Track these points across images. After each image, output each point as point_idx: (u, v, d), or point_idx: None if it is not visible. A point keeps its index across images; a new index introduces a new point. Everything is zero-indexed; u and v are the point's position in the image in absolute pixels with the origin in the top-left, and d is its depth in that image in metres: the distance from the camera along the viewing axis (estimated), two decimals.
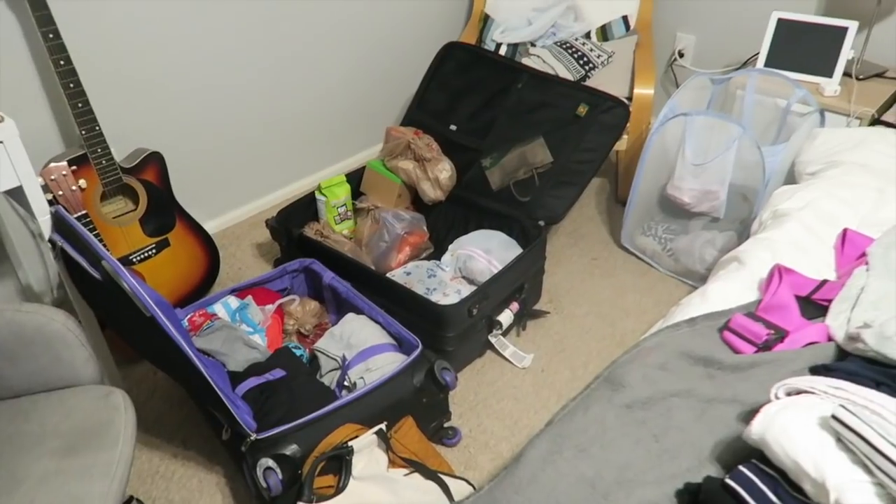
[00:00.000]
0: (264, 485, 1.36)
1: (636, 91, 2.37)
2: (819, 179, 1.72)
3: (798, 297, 1.30)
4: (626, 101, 2.25)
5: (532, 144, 2.23)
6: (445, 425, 1.75)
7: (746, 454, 0.99)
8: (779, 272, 1.31)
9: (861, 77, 2.24)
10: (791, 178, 2.02)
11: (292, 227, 2.13)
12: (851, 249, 1.46)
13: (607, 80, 2.46)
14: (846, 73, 2.22)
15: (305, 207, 2.28)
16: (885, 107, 2.12)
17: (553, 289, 2.24)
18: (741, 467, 0.91)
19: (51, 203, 1.55)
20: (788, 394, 0.97)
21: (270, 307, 1.85)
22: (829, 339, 1.21)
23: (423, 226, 2.30)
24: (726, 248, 2.09)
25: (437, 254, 2.28)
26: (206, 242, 2.16)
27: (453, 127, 2.41)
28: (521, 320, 2.05)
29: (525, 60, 2.55)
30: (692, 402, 1.09)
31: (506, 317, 1.96)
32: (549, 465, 1.00)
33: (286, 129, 2.60)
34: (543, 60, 2.54)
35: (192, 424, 1.80)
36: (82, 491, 1.09)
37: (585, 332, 2.08)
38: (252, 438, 1.39)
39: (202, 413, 1.80)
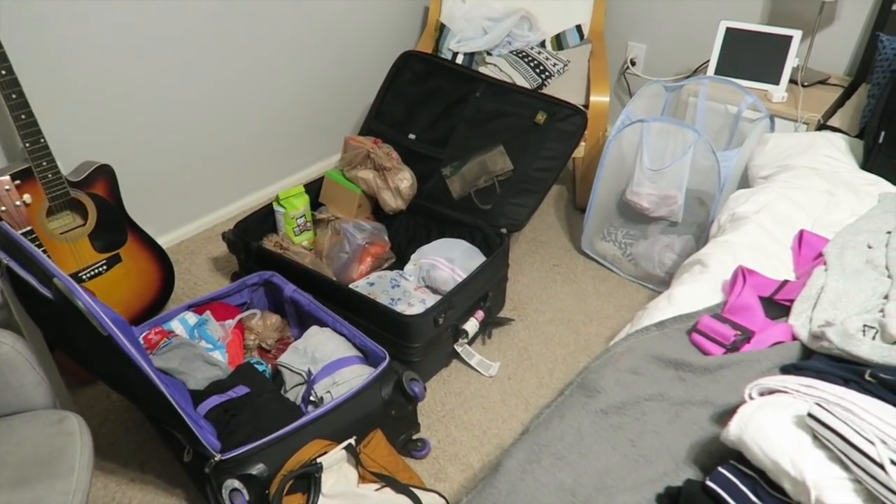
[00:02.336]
0: None
1: (592, 99, 2.40)
2: (772, 183, 1.77)
3: (761, 298, 1.32)
4: (583, 108, 2.28)
5: (492, 153, 2.23)
6: (414, 437, 1.72)
7: (722, 456, 1.00)
8: (742, 274, 1.34)
9: (806, 84, 2.32)
10: (744, 182, 2.07)
11: (250, 240, 2.08)
12: (808, 250, 1.50)
13: (563, 89, 2.48)
14: (792, 81, 2.30)
15: (263, 219, 2.23)
16: (830, 112, 2.20)
17: (516, 296, 2.25)
18: (720, 469, 0.91)
19: None
20: (761, 393, 0.99)
21: (230, 322, 1.80)
22: (794, 338, 1.23)
23: (385, 236, 2.27)
24: (685, 251, 2.13)
25: (399, 264, 2.25)
26: (160, 257, 2.09)
27: (412, 136, 2.39)
28: (486, 328, 2.04)
29: (482, 69, 2.56)
30: (665, 405, 1.09)
31: (471, 325, 1.95)
32: (528, 475, 0.98)
33: (240, 140, 2.54)
34: (500, 69, 2.55)
35: (149, 448, 1.73)
36: None
37: (550, 339, 2.08)
38: (216, 459, 1.34)
39: (160, 435, 1.73)
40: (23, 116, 1.71)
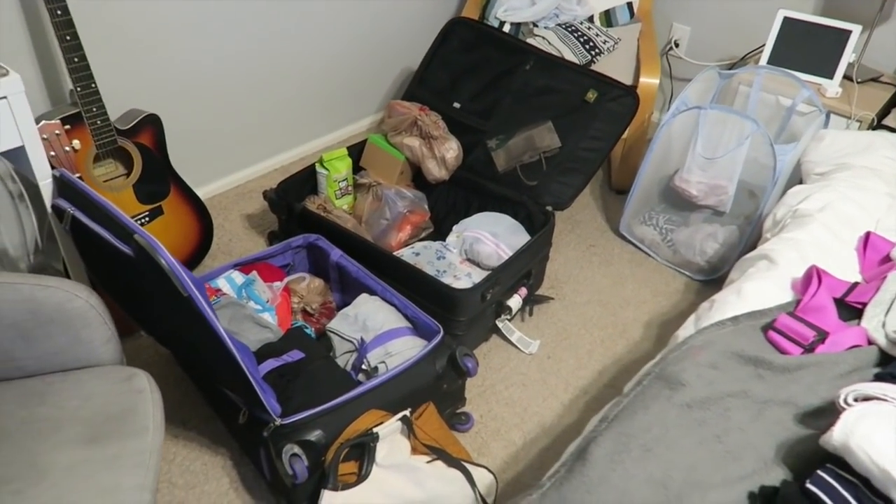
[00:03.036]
0: (290, 471, 1.30)
1: (641, 80, 2.37)
2: (831, 181, 1.76)
3: (833, 299, 1.32)
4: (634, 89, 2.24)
5: (540, 128, 2.20)
6: (458, 411, 1.72)
7: (810, 458, 1.01)
8: (817, 274, 1.33)
9: (859, 80, 2.30)
10: (794, 177, 2.06)
11: (293, 201, 2.04)
12: (873, 253, 1.49)
13: (611, 67, 2.44)
14: (845, 76, 2.27)
15: (304, 180, 2.19)
16: (885, 111, 2.18)
17: (553, 275, 2.24)
18: (820, 472, 0.92)
19: None
20: (856, 399, 0.99)
21: (279, 284, 1.77)
22: (869, 342, 1.23)
23: (425, 205, 2.25)
24: (728, 242, 2.12)
25: (436, 235, 2.24)
26: (201, 212, 2.05)
27: (456, 105, 2.35)
28: (527, 306, 2.04)
29: (529, 41, 2.50)
30: (748, 402, 1.10)
31: (515, 302, 1.94)
32: (618, 465, 0.98)
33: (276, 97, 2.48)
34: (549, 42, 2.50)
35: (190, 405, 1.72)
36: (114, 483, 1.02)
37: (588, 320, 2.08)
38: (276, 424, 1.33)
39: (201, 393, 1.73)
40: (76, 59, 1.65)
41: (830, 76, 2.26)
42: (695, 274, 2.24)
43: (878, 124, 2.12)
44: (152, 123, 1.87)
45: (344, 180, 2.21)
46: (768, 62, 2.33)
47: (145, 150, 1.86)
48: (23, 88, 1.30)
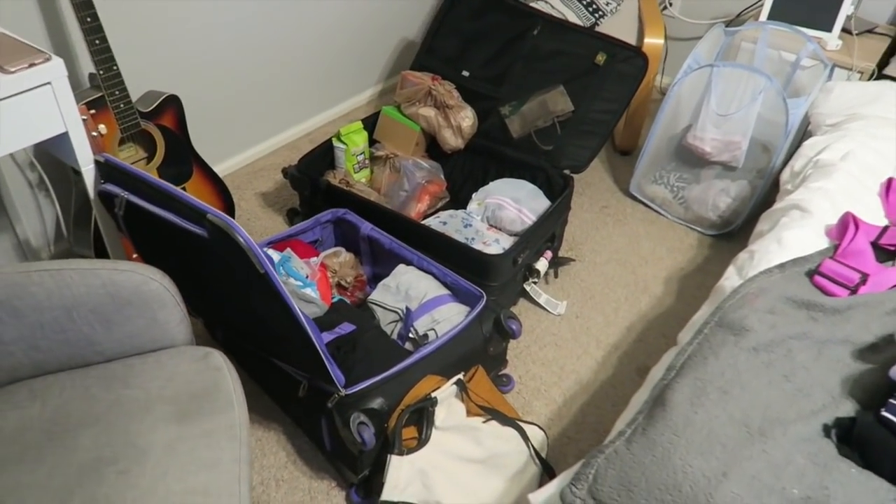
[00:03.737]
0: (358, 439, 1.34)
1: (646, 40, 2.40)
2: (847, 131, 1.82)
3: (868, 243, 1.39)
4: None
5: (552, 92, 2.22)
6: (500, 373, 1.77)
7: (874, 390, 1.07)
8: (853, 220, 1.39)
9: (856, 32, 2.36)
10: (800, 130, 2.12)
11: (316, 177, 2.05)
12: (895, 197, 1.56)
13: (615, 29, 2.46)
14: (843, 29, 2.33)
15: (322, 156, 2.19)
16: (884, 61, 2.25)
17: (571, 237, 2.28)
18: (893, 401, 0.98)
19: None
20: None
21: (315, 259, 1.79)
22: None
23: (441, 174, 2.27)
24: (740, 196, 2.19)
25: (453, 204, 2.26)
26: (222, 192, 2.05)
27: (466, 73, 2.36)
28: (552, 268, 2.08)
29: (533, 6, 2.51)
30: (809, 343, 1.16)
31: (542, 265, 1.99)
32: (699, 408, 1.04)
33: (282, 72, 2.46)
34: (552, 6, 2.51)
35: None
36: (213, 457, 1.04)
37: (609, 279, 2.14)
38: (342, 394, 1.36)
39: (246, 372, 1.74)
40: (97, 41, 1.63)
41: (829, 29, 2.32)
42: (706, 229, 2.31)
43: (878, 74, 2.19)
44: (173, 104, 1.85)
45: (361, 153, 2.21)
46: (769, 17, 2.38)
47: (168, 131, 1.85)
48: (66, 73, 1.28)
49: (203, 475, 1.01)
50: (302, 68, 2.53)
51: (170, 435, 1.06)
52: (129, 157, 1.82)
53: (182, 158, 1.91)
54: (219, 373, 1.17)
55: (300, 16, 2.40)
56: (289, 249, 1.81)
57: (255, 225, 2.25)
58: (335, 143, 2.17)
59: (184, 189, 1.92)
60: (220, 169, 2.41)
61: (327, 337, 1.51)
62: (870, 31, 2.41)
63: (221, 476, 1.01)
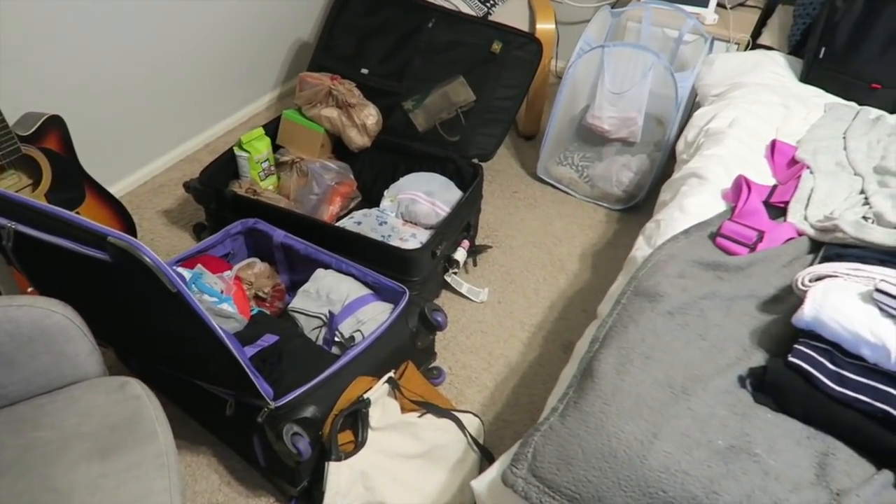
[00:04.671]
0: (294, 450, 1.31)
1: (538, 26, 2.45)
2: (731, 100, 1.93)
3: (761, 202, 1.48)
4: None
5: (453, 84, 2.24)
6: (430, 366, 1.77)
7: (781, 339, 1.14)
8: (746, 182, 1.48)
9: (730, 6, 2.50)
10: (689, 102, 2.23)
11: (220, 188, 1.98)
12: (780, 157, 1.67)
13: (508, 17, 2.51)
14: (719, 4, 2.46)
15: (224, 166, 2.12)
16: (756, 32, 2.40)
17: (485, 224, 2.31)
18: (798, 346, 1.05)
19: None
20: (811, 280, 1.13)
21: (229, 273, 1.73)
22: (799, 234, 1.40)
23: (350, 174, 2.24)
24: (641, 169, 2.28)
25: (366, 203, 2.24)
26: (121, 213, 1.95)
27: (365, 70, 2.34)
28: (471, 257, 2.10)
29: None
30: (718, 301, 1.22)
31: (461, 255, 2.00)
32: (625, 375, 1.07)
33: (174, 85, 2.36)
34: None
35: None
36: (142, 489, 0.99)
37: (527, 262, 2.18)
38: (271, 407, 1.32)
39: (165, 395, 1.66)
40: None
41: (706, 5, 2.44)
42: (613, 204, 2.39)
43: (753, 44, 2.33)
44: (56, 125, 1.74)
45: (266, 160, 2.15)
46: None
47: (53, 155, 1.74)
48: None
49: None
50: (193, 78, 2.44)
51: (92, 473, 1.00)
52: (11, 185, 1.70)
53: (72, 182, 1.80)
54: (138, 402, 1.12)
55: (187, 24, 2.31)
56: (200, 266, 1.74)
57: (161, 244, 2.15)
58: (237, 151, 2.10)
59: (77, 214, 1.81)
60: (115, 189, 2.29)
61: (250, 350, 1.47)
62: (741, 5, 2.55)
63: None
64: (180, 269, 1.72)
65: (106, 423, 1.07)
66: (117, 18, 2.05)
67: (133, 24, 2.11)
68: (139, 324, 1.32)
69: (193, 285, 1.69)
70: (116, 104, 2.17)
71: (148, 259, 1.04)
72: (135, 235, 2.00)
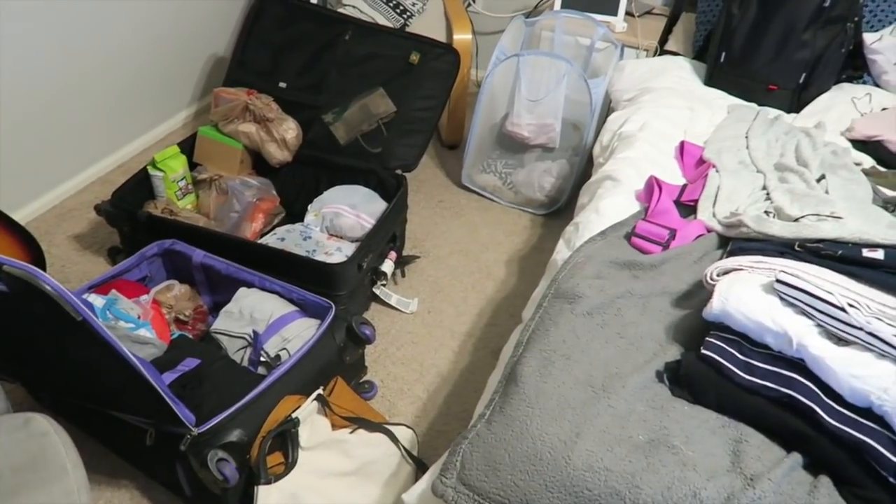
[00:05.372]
0: (220, 476, 1.27)
1: (455, 37, 2.48)
2: (640, 104, 2.00)
3: (672, 201, 1.53)
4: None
5: (373, 95, 2.24)
6: (361, 381, 1.75)
7: (692, 332, 1.19)
8: (657, 183, 1.53)
9: (637, 14, 2.60)
10: (605, 107, 2.30)
11: (133, 209, 1.91)
12: (689, 158, 1.74)
13: (425, 28, 2.53)
14: (627, 13, 2.56)
15: (137, 186, 2.04)
16: (663, 39, 2.49)
17: (412, 234, 2.31)
18: (708, 339, 1.09)
19: None
20: (719, 274, 1.18)
21: (146, 297, 1.66)
22: (708, 230, 1.46)
23: (272, 190, 2.20)
24: (561, 174, 2.33)
25: (290, 218, 2.21)
26: (26, 241, 1.84)
27: (282, 84, 2.31)
28: (398, 268, 2.10)
29: (341, 11, 2.50)
30: (634, 300, 1.26)
31: (388, 266, 1.99)
32: (547, 377, 1.09)
33: (83, 102, 2.27)
34: (360, 10, 2.52)
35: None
36: None
37: (455, 270, 2.19)
38: (194, 433, 1.28)
39: (83, 431, 1.59)
40: None
41: (615, 13, 2.53)
42: (537, 209, 2.44)
43: (661, 51, 2.42)
44: None
45: (182, 179, 2.09)
46: (561, 7, 2.55)
47: None
48: None
49: None
50: (104, 95, 2.35)
51: None
52: None
53: None
54: (45, 438, 1.06)
55: (96, 38, 2.22)
56: (114, 291, 1.67)
57: (73, 270, 2.06)
58: (151, 171, 2.03)
59: None
60: (20, 216, 2.17)
61: (170, 377, 1.41)
62: (649, 13, 2.66)
63: None
64: (93, 296, 1.64)
65: (8, 463, 1.01)
66: (21, 31, 1.96)
67: (38, 37, 2.02)
68: (46, 356, 1.25)
69: (108, 311, 1.62)
70: (20, 123, 2.06)
71: (48, 287, 0.99)
72: (43, 263, 1.90)
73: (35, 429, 1.07)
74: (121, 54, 2.35)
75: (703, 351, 1.07)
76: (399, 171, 2.16)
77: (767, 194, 1.52)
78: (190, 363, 1.46)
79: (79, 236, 2.17)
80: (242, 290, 1.68)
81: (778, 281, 1.06)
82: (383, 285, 2.01)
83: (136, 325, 1.59)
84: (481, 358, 1.89)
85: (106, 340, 1.07)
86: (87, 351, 1.12)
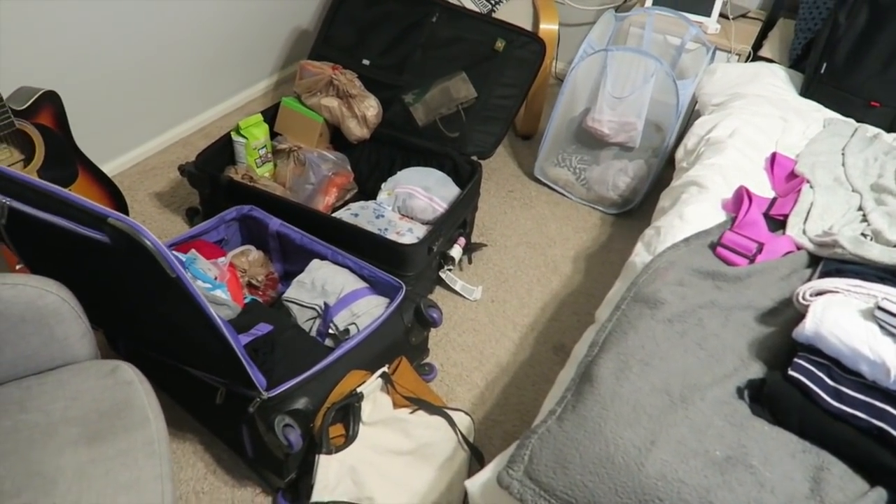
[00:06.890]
0: (285, 442, 1.29)
1: (542, 26, 2.44)
2: (731, 110, 1.94)
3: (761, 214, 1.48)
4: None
5: (454, 79, 2.23)
6: (422, 362, 1.76)
7: (778, 351, 1.15)
8: (747, 193, 1.49)
9: (732, 17, 2.51)
10: (690, 109, 2.24)
11: (215, 173, 1.95)
12: (780, 170, 1.68)
13: (511, 15, 2.50)
14: (721, 14, 2.47)
15: (220, 151, 2.09)
16: (758, 44, 2.41)
17: (480, 222, 2.30)
18: (797, 360, 1.05)
19: None
20: (812, 295, 1.14)
21: (224, 259, 1.70)
22: (798, 247, 1.41)
23: (347, 165, 2.22)
24: (638, 175, 2.29)
25: (361, 195, 2.22)
26: (113, 193, 1.91)
27: (366, 62, 2.32)
28: (465, 254, 2.10)
29: None
30: (716, 311, 1.22)
31: (456, 251, 2.00)
32: (624, 381, 1.07)
33: (171, 65, 2.33)
34: None
35: None
36: (132, 477, 0.98)
37: (521, 262, 2.18)
38: (263, 397, 1.31)
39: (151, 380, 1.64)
40: None
41: (709, 14, 2.45)
42: (608, 208, 2.40)
43: (755, 56, 2.34)
44: (51, 101, 1.71)
45: (263, 147, 2.13)
46: (653, 3, 2.48)
47: (47, 131, 1.70)
48: None
49: (122, 498, 0.94)
50: (190, 61, 2.41)
51: (80, 459, 0.98)
52: (3, 160, 1.66)
53: (65, 159, 1.76)
54: (130, 387, 1.10)
55: (188, 5, 2.27)
56: (193, 251, 1.72)
57: (153, 227, 2.12)
58: (234, 137, 2.08)
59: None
60: (107, 169, 2.25)
61: (244, 339, 1.45)
62: (743, 16, 2.57)
63: (143, 496, 0.95)
64: (174, 254, 1.69)
65: (95, 407, 1.05)
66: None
67: (134, 2, 2.07)
68: (132, 307, 1.30)
69: (187, 270, 1.66)
70: (113, 83, 2.13)
71: (149, 243, 1.02)
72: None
73: (121, 377, 1.11)
74: (210, 23, 2.40)
75: (790, 372, 1.04)
76: (474, 158, 2.15)
77: (864, 215, 1.46)
78: (263, 328, 1.49)
79: (159, 194, 2.24)
80: (316, 262, 1.70)
81: (879, 308, 1.01)
82: (450, 270, 2.02)
83: (212, 285, 1.64)
84: (541, 352, 1.88)
85: (195, 299, 1.10)
86: (174, 307, 1.15)
